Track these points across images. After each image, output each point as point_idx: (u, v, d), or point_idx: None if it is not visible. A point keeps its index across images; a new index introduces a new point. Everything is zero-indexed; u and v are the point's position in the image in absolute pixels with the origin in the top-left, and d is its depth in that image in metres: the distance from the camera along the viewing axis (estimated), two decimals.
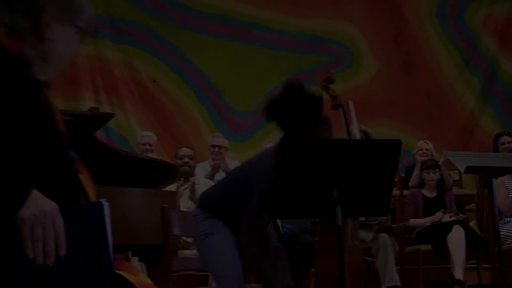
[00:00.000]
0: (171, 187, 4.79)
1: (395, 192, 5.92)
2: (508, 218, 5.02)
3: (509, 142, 6.19)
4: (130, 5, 7.66)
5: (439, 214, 5.17)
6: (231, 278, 2.61)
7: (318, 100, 2.68)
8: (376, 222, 4.79)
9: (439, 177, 5.43)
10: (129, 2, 7.66)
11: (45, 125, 1.51)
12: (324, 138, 2.68)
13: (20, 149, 1.43)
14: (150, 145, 5.86)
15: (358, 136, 3.82)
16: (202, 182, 5.07)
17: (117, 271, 1.54)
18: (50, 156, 1.50)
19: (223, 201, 2.81)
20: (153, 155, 5.64)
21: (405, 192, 5.97)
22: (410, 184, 5.94)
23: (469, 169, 3.85)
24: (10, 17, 1.50)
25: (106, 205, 1.48)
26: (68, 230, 1.40)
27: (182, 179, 5.15)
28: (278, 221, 3.43)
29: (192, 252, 4.70)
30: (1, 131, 1.39)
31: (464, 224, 5.04)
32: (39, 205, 1.36)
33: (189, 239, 4.76)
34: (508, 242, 4.88)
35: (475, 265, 5.03)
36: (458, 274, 4.69)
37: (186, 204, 4.94)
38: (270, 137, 4.63)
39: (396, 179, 5.20)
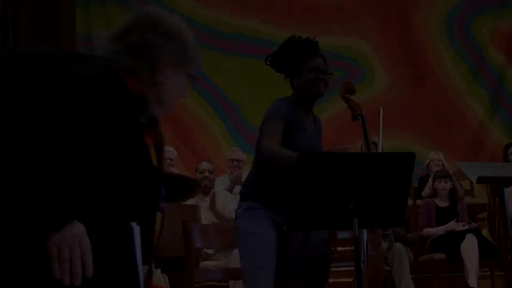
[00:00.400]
0: (191, 201, 4.90)
1: (409, 202, 5.99)
2: None
3: None
4: None
5: (452, 223, 5.25)
6: None
7: (307, 40, 2.85)
8: (391, 232, 4.88)
9: (451, 186, 5.50)
10: None
11: (147, 161, 1.58)
12: (320, 70, 2.84)
13: (99, 175, 1.47)
14: (170, 159, 5.92)
15: (380, 145, 3.77)
16: (222, 194, 5.16)
17: None
18: (143, 188, 1.56)
19: (257, 177, 2.82)
20: (174, 170, 5.74)
21: (418, 202, 6.06)
22: (423, 193, 6.02)
23: (481, 179, 3.84)
24: (133, 61, 1.59)
25: (136, 228, 1.53)
26: (97, 253, 1.41)
27: (201, 193, 5.25)
28: None
29: (213, 263, 4.82)
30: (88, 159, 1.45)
31: (476, 232, 5.12)
32: (68, 227, 1.38)
33: (210, 251, 4.87)
34: None
35: (489, 273, 5.10)
36: (472, 282, 4.76)
37: (206, 216, 5.03)
38: None
39: None
